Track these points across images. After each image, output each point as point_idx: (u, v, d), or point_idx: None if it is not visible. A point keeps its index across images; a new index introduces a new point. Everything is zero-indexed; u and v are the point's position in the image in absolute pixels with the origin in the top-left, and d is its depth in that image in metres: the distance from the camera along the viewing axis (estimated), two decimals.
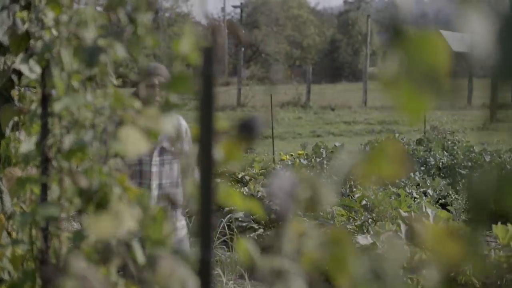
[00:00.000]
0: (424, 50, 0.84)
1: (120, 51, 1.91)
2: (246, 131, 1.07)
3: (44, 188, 2.50)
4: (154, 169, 4.38)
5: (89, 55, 1.73)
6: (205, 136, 1.24)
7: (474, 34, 0.78)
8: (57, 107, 2.11)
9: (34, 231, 2.63)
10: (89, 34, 1.97)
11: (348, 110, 30.88)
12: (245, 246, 1.30)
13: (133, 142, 1.44)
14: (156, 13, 1.74)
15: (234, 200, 1.39)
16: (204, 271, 1.25)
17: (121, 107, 1.89)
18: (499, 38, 0.73)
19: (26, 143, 2.71)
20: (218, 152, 1.27)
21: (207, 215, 1.25)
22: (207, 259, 1.25)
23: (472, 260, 0.73)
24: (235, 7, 56.27)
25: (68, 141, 2.36)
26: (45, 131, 2.46)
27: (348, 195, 7.90)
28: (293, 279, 1.02)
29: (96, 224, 1.45)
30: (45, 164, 2.45)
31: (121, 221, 1.45)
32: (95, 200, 1.98)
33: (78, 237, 2.01)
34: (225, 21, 1.48)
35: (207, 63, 1.23)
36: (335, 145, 11.04)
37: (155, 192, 4.39)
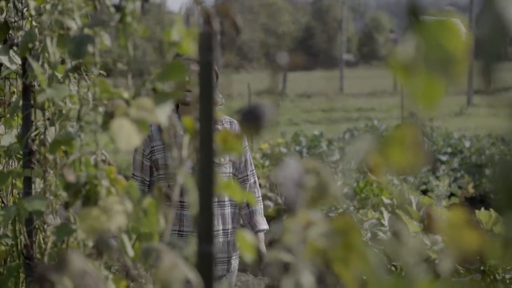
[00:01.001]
0: (442, 35, 0.80)
1: (107, 40, 1.86)
2: (252, 119, 1.03)
3: (28, 181, 2.44)
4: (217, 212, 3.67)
5: (76, 45, 1.67)
6: (205, 126, 1.20)
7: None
8: (40, 98, 2.06)
9: (18, 226, 2.58)
10: (75, 23, 1.91)
11: (324, 97, 30.92)
12: (246, 238, 1.27)
13: (125, 135, 1.40)
14: (145, 1, 1.69)
15: (232, 191, 1.35)
16: (205, 264, 1.21)
17: (108, 97, 1.84)
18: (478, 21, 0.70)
19: (8, 136, 2.65)
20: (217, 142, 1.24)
21: (207, 207, 1.21)
22: (208, 252, 1.21)
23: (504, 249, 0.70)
24: None
25: (52, 133, 2.30)
26: (28, 124, 2.40)
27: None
28: (300, 271, 0.99)
29: (85, 219, 1.40)
30: (28, 157, 2.39)
31: (110, 215, 1.40)
32: (83, 194, 1.93)
33: (63, 231, 1.97)
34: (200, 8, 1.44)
35: (205, 50, 1.19)
36: (314, 133, 11.02)
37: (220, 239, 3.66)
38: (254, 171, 3.89)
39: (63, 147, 2.09)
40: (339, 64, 37.18)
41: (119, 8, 1.72)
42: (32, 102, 2.36)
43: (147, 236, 1.64)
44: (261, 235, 3.77)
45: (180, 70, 1.29)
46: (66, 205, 1.96)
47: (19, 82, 2.54)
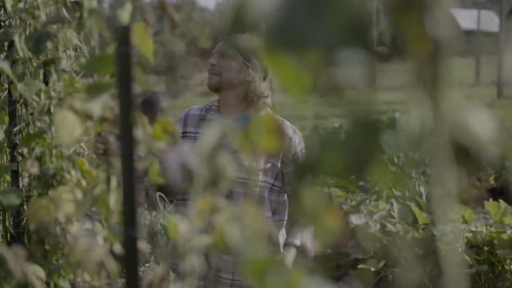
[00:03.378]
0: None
1: (71, 36, 1.92)
2: (147, 106, 1.08)
3: (15, 175, 2.52)
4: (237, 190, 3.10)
5: (35, 42, 1.74)
6: (124, 116, 1.25)
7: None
8: (14, 94, 2.14)
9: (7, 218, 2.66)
10: (41, 21, 1.98)
11: (353, 91, 30.68)
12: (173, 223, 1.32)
13: (68, 127, 1.46)
14: None
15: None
16: (129, 248, 1.27)
17: (72, 91, 1.91)
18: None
19: None
20: (140, 131, 1.29)
21: (130, 192, 1.27)
22: (132, 236, 1.27)
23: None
24: None
25: (33, 127, 2.38)
26: (13, 118, 2.48)
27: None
28: (194, 255, 1.04)
29: (34, 209, 1.47)
30: (13, 151, 2.48)
31: (58, 205, 1.46)
32: (54, 185, 2.00)
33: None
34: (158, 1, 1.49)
35: (123, 42, 1.24)
36: (334, 126, 11.05)
37: None
38: None
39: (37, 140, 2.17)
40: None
41: (78, 4, 1.78)
42: (12, 97, 2.44)
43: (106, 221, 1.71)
44: (292, 250, 3.13)
45: (108, 62, 1.34)
46: (39, 196, 2.04)
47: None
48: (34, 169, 1.86)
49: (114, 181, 1.59)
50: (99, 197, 1.66)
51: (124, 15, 1.56)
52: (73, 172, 1.94)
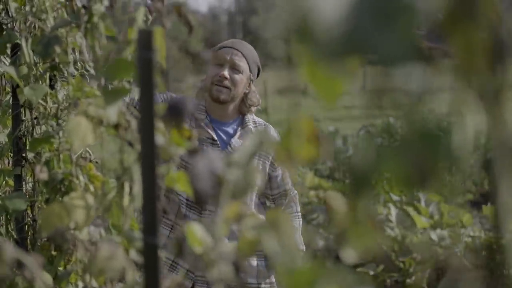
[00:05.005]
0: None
1: (79, 40, 1.90)
2: (174, 112, 1.06)
3: (18, 179, 2.50)
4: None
5: (44, 46, 1.72)
6: (146, 121, 1.23)
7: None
8: (21, 98, 2.11)
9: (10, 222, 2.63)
10: (49, 24, 1.96)
11: (347, 94, 30.76)
12: (195, 231, 1.30)
13: (81, 133, 1.43)
14: (112, 1, 1.73)
15: (180, 184, 1.39)
16: (149, 255, 1.25)
17: (81, 96, 1.88)
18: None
19: (1, 135, 2.70)
20: (160, 137, 1.27)
21: (151, 200, 1.25)
22: (152, 244, 1.25)
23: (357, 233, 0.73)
24: None
25: (38, 132, 2.36)
26: (17, 122, 2.46)
27: (342, 180, 7.89)
28: (223, 263, 1.02)
29: (46, 216, 1.44)
30: (17, 155, 2.45)
31: (69, 212, 1.44)
32: (62, 190, 1.98)
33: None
34: (173, 5, 1.48)
35: (145, 46, 1.22)
36: (329, 130, 11.03)
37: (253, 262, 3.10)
38: (292, 185, 3.36)
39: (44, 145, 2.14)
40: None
41: (87, 8, 1.76)
42: (20, 101, 2.41)
43: (118, 229, 1.69)
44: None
45: (127, 67, 1.32)
46: (47, 202, 2.01)
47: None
48: (44, 175, 1.84)
49: (127, 187, 1.58)
50: (111, 203, 1.64)
51: (139, 18, 1.54)
52: (81, 177, 1.92)
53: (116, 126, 1.52)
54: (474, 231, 5.25)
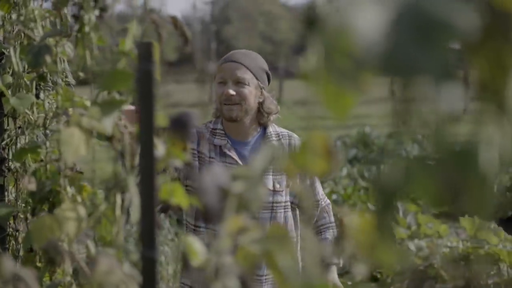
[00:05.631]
0: (345, 41, 0.82)
1: (68, 49, 1.88)
2: (178, 126, 1.05)
3: (1, 189, 2.47)
4: (263, 215, 2.95)
5: (34, 55, 1.70)
6: (145, 133, 1.22)
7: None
8: (6, 107, 2.09)
9: None
10: (37, 33, 1.94)
11: (322, 105, 30.85)
12: (191, 244, 1.29)
13: (74, 144, 1.42)
14: (103, 11, 1.71)
15: (176, 196, 1.38)
16: (147, 269, 1.24)
17: (70, 106, 1.86)
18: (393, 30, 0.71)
19: None
20: (159, 149, 1.26)
21: (149, 213, 1.24)
22: (151, 258, 1.23)
23: (383, 250, 0.72)
24: (206, 3, 56.13)
25: (22, 141, 2.33)
26: (0, 132, 2.43)
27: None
28: (227, 277, 1.01)
29: (37, 228, 1.43)
30: (0, 165, 2.42)
31: (61, 224, 1.42)
32: (49, 201, 1.95)
33: (30, 239, 1.99)
34: (171, 17, 1.47)
35: (145, 58, 1.21)
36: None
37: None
38: (324, 195, 3.21)
39: (30, 155, 2.12)
40: None
41: (77, 18, 1.74)
42: (5, 110, 2.39)
43: (105, 241, 1.67)
44: (333, 269, 3.03)
45: (125, 78, 1.31)
46: (33, 213, 1.99)
47: None
48: (32, 185, 1.82)
49: (119, 199, 1.56)
50: (102, 215, 1.62)
51: (132, 29, 1.53)
52: (68, 188, 1.90)
53: (109, 138, 1.51)
54: (451, 241, 5.29)
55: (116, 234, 1.57)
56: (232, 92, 2.93)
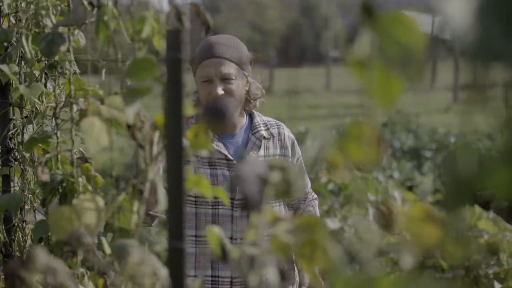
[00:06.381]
0: (399, 30, 0.81)
1: (81, 38, 1.86)
2: (215, 115, 1.03)
3: (7, 179, 2.44)
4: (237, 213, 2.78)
5: (48, 44, 1.67)
6: (173, 123, 1.20)
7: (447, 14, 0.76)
8: (14, 97, 2.06)
9: None
10: (50, 21, 1.91)
11: (311, 94, 30.96)
12: (215, 234, 1.27)
13: (95, 134, 1.39)
14: None
15: (201, 187, 1.36)
16: (175, 260, 1.22)
17: (84, 95, 1.84)
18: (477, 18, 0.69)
19: None
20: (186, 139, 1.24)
21: (177, 204, 1.22)
22: (178, 248, 1.22)
23: (454, 242, 0.71)
24: None
25: (30, 131, 2.30)
26: (5, 121, 2.40)
27: (314, 180, 7.89)
28: (266, 266, 0.99)
29: (56, 219, 1.40)
30: (6, 155, 2.39)
31: (80, 215, 1.40)
32: (60, 191, 1.93)
33: (40, 229, 1.97)
34: (190, 5, 1.44)
35: (173, 47, 1.19)
36: (299, 130, 11.04)
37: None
38: (311, 189, 3.11)
39: (40, 145, 2.09)
40: (326, 61, 37.26)
41: (93, 5, 1.71)
42: (10, 100, 2.36)
43: (123, 232, 1.65)
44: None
45: (150, 66, 1.29)
46: (43, 203, 1.96)
47: None
48: (46, 176, 1.79)
49: (140, 190, 1.54)
50: (122, 206, 1.60)
51: (149, 17, 1.50)
52: (80, 178, 1.88)
53: (129, 127, 1.49)
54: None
55: (135, 225, 1.55)
56: (220, 91, 2.73)
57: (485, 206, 5.80)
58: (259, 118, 2.94)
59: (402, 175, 9.69)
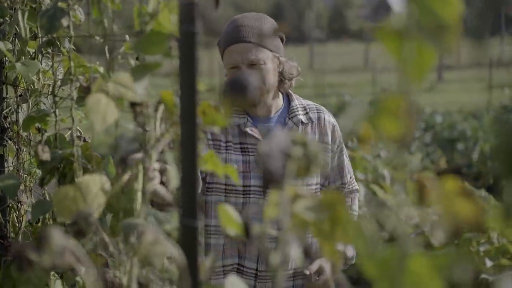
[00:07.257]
0: (435, 2, 0.79)
1: (80, 14, 1.81)
2: (237, 89, 1.00)
3: (0, 159, 2.40)
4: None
5: (49, 19, 1.62)
6: (187, 100, 1.17)
7: None
8: (11, 75, 2.02)
9: None
10: None
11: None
12: (227, 212, 1.24)
13: (102, 112, 1.36)
14: None
15: (212, 165, 1.33)
16: (188, 239, 1.19)
17: (83, 72, 1.80)
18: None
19: None
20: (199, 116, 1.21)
21: (190, 181, 1.19)
22: (192, 227, 1.19)
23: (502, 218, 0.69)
24: None
25: (24, 110, 2.26)
26: None
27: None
28: (288, 244, 0.97)
29: (61, 200, 1.36)
30: (1, 134, 2.35)
31: (85, 195, 1.37)
32: (60, 171, 1.90)
33: (39, 209, 1.93)
34: None
35: (187, 20, 1.15)
36: None
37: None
38: (353, 178, 2.88)
39: (36, 124, 2.05)
40: (308, 40, 37.19)
41: None
42: (3, 78, 2.31)
43: (127, 212, 1.62)
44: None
45: (161, 41, 1.25)
46: (41, 183, 1.92)
47: None
48: (46, 155, 1.75)
49: (144, 169, 1.50)
50: (129, 185, 1.56)
51: None
52: (80, 158, 1.84)
53: (133, 104, 1.45)
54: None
55: (139, 204, 1.52)
56: None
57: None
58: (297, 102, 2.76)
59: (389, 153, 9.70)
